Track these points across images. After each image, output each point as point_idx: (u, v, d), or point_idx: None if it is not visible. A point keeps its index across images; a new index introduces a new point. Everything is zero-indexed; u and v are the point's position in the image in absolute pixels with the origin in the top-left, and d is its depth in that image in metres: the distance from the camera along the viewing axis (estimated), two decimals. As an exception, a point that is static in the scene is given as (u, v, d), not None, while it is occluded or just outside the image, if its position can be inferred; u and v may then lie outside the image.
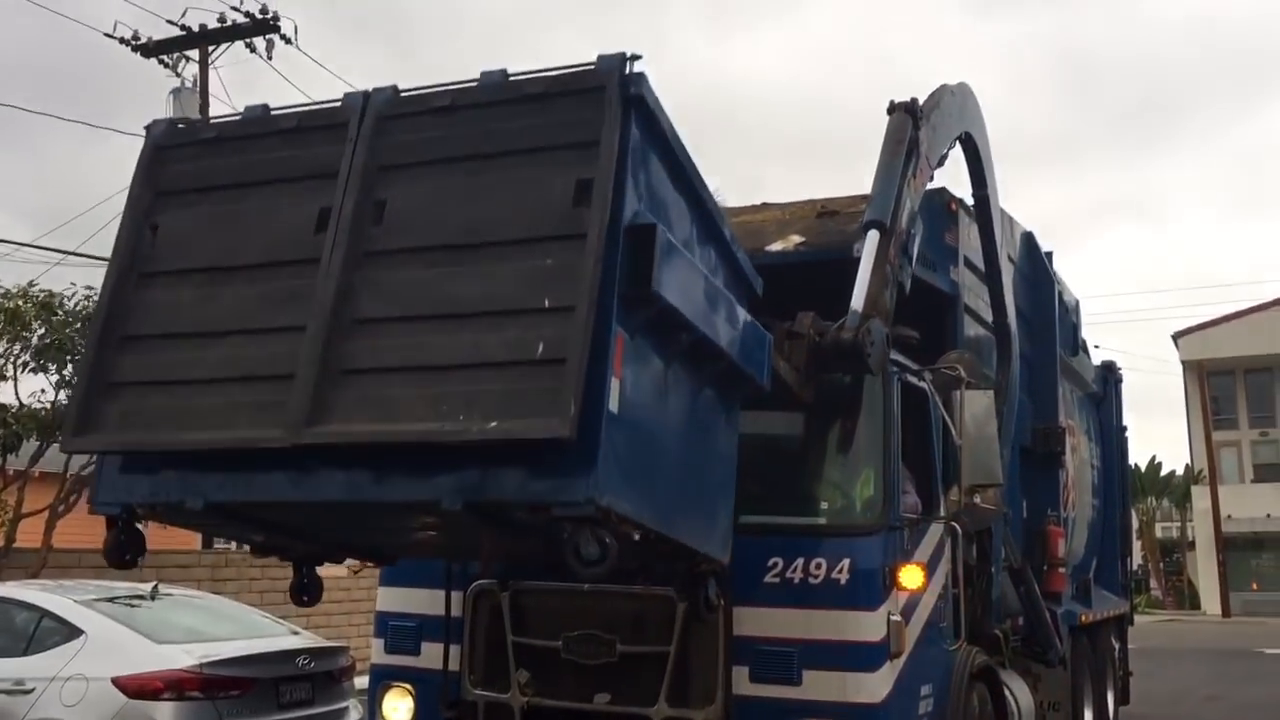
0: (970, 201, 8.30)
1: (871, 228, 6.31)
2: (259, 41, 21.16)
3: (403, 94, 4.51)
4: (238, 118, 4.98)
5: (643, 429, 4.33)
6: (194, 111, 20.83)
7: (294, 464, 4.25)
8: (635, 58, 4.17)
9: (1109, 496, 12.39)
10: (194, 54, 21.29)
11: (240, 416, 4.26)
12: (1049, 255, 10.31)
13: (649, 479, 4.38)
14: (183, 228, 4.73)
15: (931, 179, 7.33)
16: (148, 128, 4.98)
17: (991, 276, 8.28)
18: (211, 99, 21.10)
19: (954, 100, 7.74)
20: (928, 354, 6.74)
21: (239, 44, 21.29)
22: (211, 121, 5.20)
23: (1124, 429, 13.39)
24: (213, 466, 4.44)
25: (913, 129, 6.83)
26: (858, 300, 6.00)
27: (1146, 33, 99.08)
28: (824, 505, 6.13)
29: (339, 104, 4.60)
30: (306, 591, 5.76)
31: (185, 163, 4.84)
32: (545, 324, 3.91)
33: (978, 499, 6.60)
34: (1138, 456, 53.31)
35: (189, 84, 21.10)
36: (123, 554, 4.81)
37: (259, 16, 20.85)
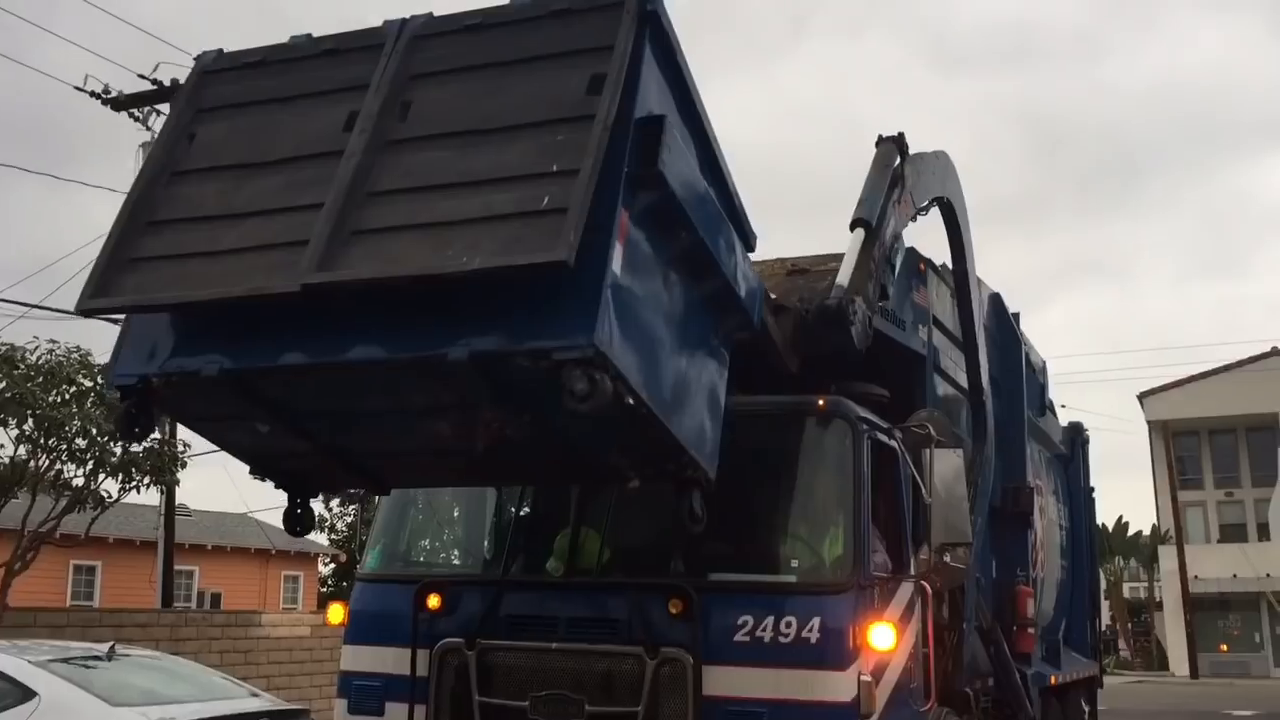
0: (938, 263, 8.38)
1: (858, 225, 6.55)
2: (231, 96, 21.13)
3: (437, 17, 4.84)
4: (283, 43, 5.20)
5: (641, 309, 4.57)
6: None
7: (305, 322, 4.41)
8: None
9: (1077, 557, 12.39)
10: (165, 108, 21.22)
11: (254, 275, 4.39)
12: (1016, 316, 10.40)
13: (644, 352, 4.56)
14: (219, 136, 4.96)
15: (914, 219, 7.45)
16: (197, 57, 5.25)
17: (969, 350, 8.41)
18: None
19: (937, 163, 7.97)
20: (898, 413, 6.74)
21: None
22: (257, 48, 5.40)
23: (1091, 489, 13.43)
24: (227, 333, 4.60)
25: (899, 160, 7.09)
26: (843, 278, 6.16)
27: (1108, 98, 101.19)
28: (794, 563, 6.08)
29: (379, 28, 4.90)
30: (299, 522, 5.83)
31: (228, 84, 5.10)
32: (552, 184, 4.11)
33: (947, 558, 6.57)
34: (1105, 516, 53.44)
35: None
36: (133, 425, 4.91)
37: (232, 72, 20.86)
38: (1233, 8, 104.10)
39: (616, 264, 4.28)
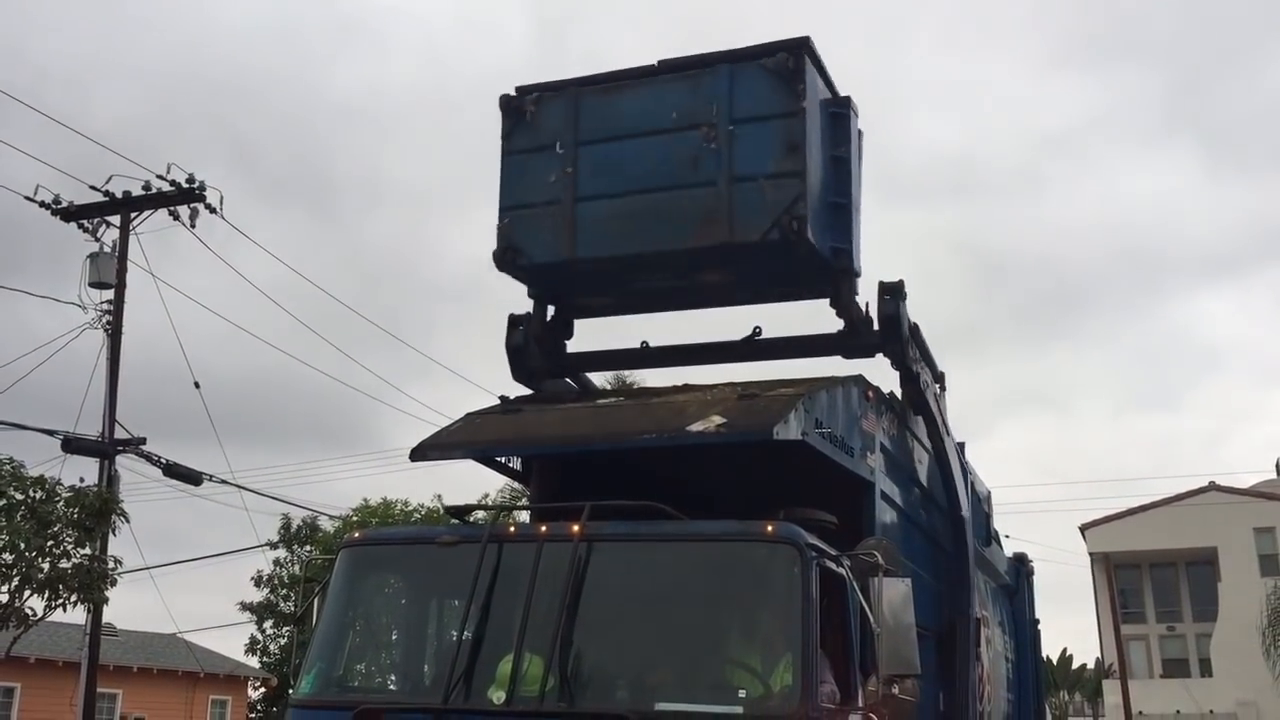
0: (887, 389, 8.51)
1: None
2: (183, 209, 21.12)
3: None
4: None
5: (813, 141, 7.58)
6: (110, 277, 20.63)
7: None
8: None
9: (1023, 690, 12.30)
10: (115, 219, 21.16)
11: None
12: (961, 446, 10.49)
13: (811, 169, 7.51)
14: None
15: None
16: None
17: (954, 507, 9.31)
18: (130, 264, 20.92)
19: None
20: (844, 540, 6.70)
21: (161, 211, 21.21)
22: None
23: (1037, 622, 13.40)
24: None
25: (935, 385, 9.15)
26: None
27: (1047, 231, 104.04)
28: (741, 693, 5.94)
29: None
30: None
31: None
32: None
33: (895, 689, 6.47)
34: (1048, 648, 53.30)
35: (107, 249, 20.90)
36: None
37: (185, 185, 20.88)
38: (1167, 150, 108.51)
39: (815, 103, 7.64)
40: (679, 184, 7.62)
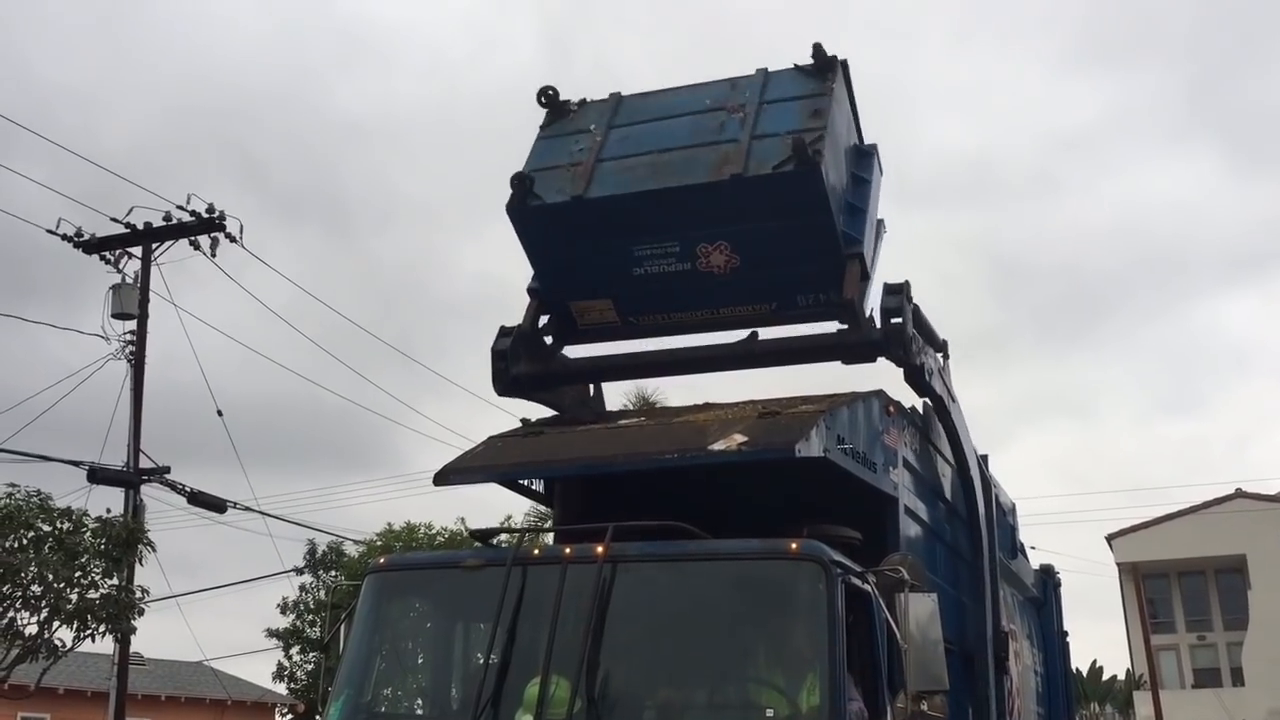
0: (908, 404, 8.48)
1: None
2: (203, 239, 21.27)
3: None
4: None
5: (834, 152, 7.79)
6: (133, 308, 20.80)
7: None
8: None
9: (1053, 703, 12.20)
10: (136, 250, 21.33)
11: None
12: (984, 458, 10.44)
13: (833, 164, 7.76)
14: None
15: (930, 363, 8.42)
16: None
17: (974, 528, 9.23)
18: (151, 294, 21.08)
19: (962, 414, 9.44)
20: (869, 556, 6.69)
21: (182, 241, 21.36)
22: None
23: (1065, 634, 13.30)
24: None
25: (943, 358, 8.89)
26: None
27: (1067, 236, 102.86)
28: (769, 713, 5.93)
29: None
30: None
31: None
32: None
33: (924, 706, 6.44)
34: (1078, 660, 52.81)
35: (129, 280, 21.07)
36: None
37: (205, 215, 21.02)
38: (1187, 150, 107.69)
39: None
40: (700, 143, 7.80)
